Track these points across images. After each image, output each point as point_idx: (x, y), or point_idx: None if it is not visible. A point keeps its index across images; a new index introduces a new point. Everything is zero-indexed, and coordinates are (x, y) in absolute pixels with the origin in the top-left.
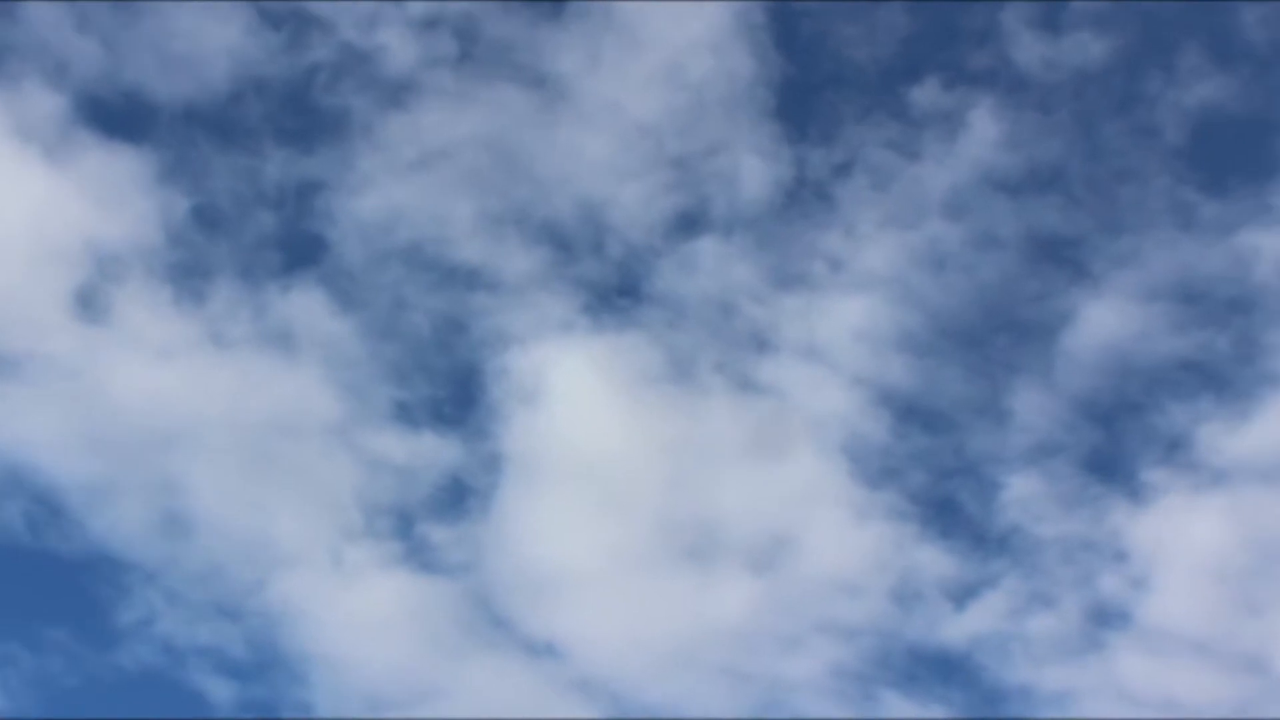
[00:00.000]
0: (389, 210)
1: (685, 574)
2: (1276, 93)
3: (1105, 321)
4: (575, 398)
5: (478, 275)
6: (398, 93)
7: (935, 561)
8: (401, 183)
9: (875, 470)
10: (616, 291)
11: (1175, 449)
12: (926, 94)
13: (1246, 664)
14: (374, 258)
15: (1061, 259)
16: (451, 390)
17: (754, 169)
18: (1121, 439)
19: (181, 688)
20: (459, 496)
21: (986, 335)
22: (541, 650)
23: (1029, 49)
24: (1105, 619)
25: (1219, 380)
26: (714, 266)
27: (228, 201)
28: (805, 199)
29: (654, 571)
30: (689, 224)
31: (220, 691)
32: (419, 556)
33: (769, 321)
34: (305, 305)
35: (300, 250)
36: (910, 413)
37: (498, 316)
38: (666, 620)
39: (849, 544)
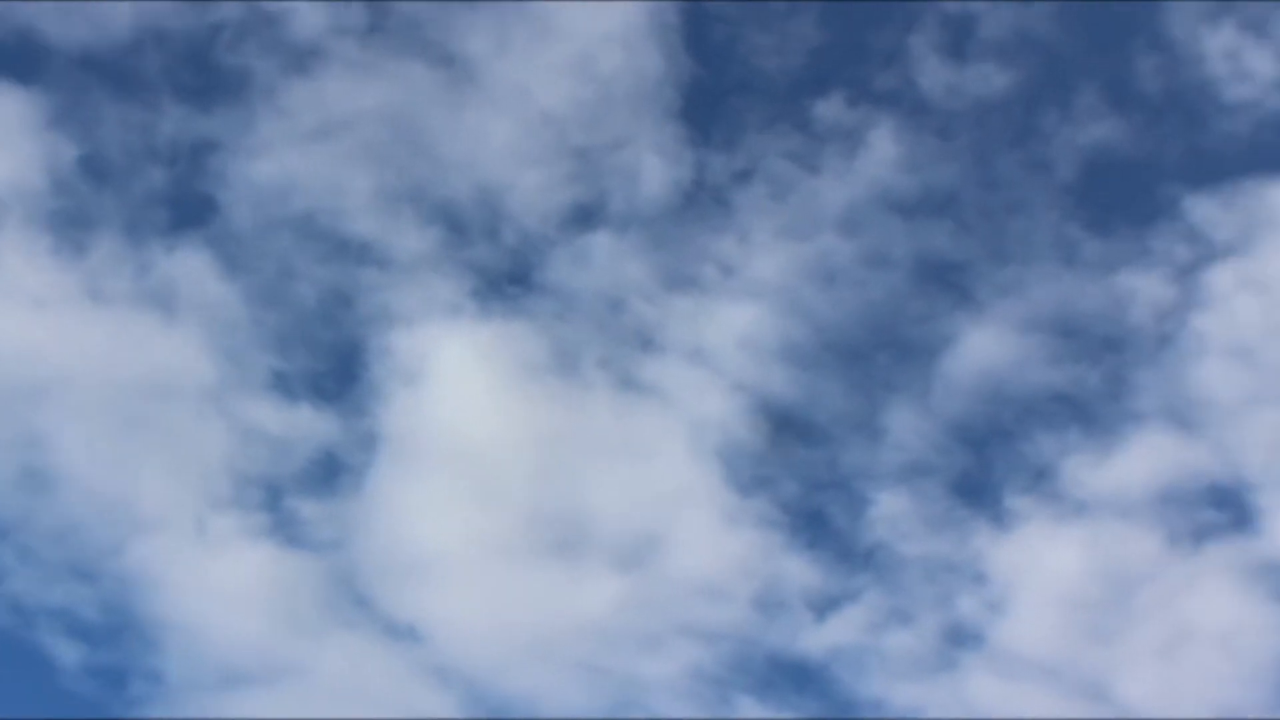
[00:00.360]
0: (284, 177)
1: (552, 566)
2: (1165, 140)
3: (984, 348)
4: (457, 382)
5: (369, 250)
6: (303, 58)
7: (800, 571)
8: (299, 150)
9: (748, 477)
10: (507, 279)
11: (1040, 478)
12: (831, 109)
13: (1090, 691)
14: (265, 224)
15: (947, 283)
16: (332, 365)
17: (654, 168)
18: (990, 465)
19: (27, 649)
20: (331, 473)
21: (868, 352)
22: (402, 633)
23: (934, 75)
24: (960, 639)
25: (1087, 415)
26: (606, 262)
27: (118, 153)
28: (703, 202)
29: (521, 562)
30: (585, 217)
31: (68, 655)
32: (286, 530)
33: (656, 321)
34: (189, 266)
35: (189, 210)
36: (787, 423)
37: (385, 294)
38: (529, 611)
39: (716, 548)
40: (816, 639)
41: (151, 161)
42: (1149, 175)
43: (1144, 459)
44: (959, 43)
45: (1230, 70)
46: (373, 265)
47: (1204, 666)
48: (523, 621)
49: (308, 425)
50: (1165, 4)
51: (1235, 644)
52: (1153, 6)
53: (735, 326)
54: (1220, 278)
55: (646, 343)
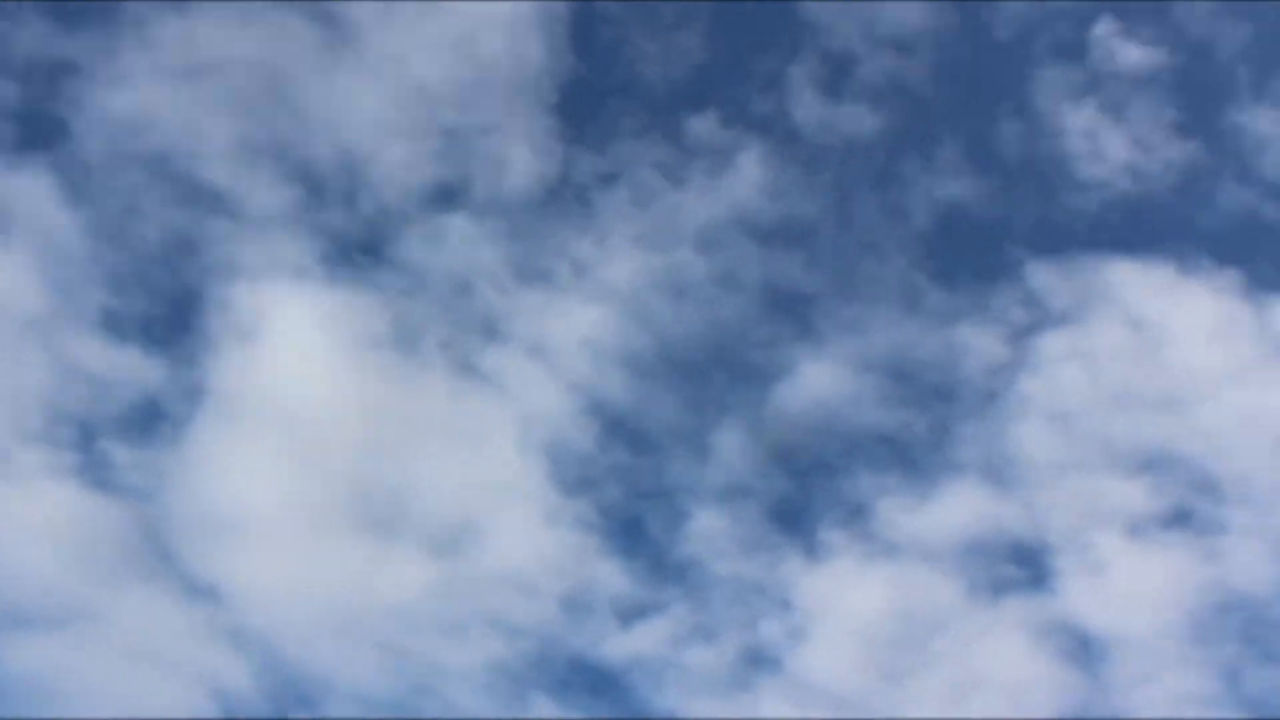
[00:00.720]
0: (142, 112)
1: (365, 543)
2: (1017, 205)
3: (820, 381)
4: (293, 345)
5: (220, 200)
6: None
7: (611, 577)
8: (162, 87)
9: (573, 478)
10: (358, 248)
11: (855, 515)
12: (704, 125)
13: None
14: (116, 157)
15: (793, 313)
16: (167, 311)
17: (522, 158)
18: (809, 495)
19: None
20: (151, 420)
21: (707, 370)
22: (203, 592)
23: (808, 107)
24: (758, 661)
25: (908, 459)
26: (461, 245)
27: None
28: (565, 199)
29: (335, 535)
30: (446, 197)
31: None
32: (95, 472)
33: (503, 311)
34: (31, 189)
35: (38, 130)
36: (618, 428)
37: (232, 246)
38: (337, 585)
39: (532, 544)
40: (619, 646)
41: (3, 75)
42: (997, 236)
43: (956, 509)
44: (837, 80)
45: (1087, 148)
46: (223, 215)
47: (989, 715)
48: (329, 595)
49: (133, 369)
50: (1035, 75)
51: (1021, 697)
52: (1023, 76)
53: (580, 327)
54: (1051, 344)
55: (490, 331)
